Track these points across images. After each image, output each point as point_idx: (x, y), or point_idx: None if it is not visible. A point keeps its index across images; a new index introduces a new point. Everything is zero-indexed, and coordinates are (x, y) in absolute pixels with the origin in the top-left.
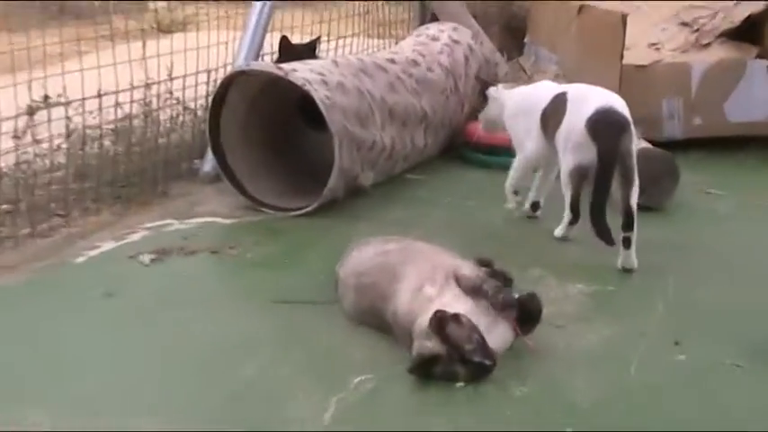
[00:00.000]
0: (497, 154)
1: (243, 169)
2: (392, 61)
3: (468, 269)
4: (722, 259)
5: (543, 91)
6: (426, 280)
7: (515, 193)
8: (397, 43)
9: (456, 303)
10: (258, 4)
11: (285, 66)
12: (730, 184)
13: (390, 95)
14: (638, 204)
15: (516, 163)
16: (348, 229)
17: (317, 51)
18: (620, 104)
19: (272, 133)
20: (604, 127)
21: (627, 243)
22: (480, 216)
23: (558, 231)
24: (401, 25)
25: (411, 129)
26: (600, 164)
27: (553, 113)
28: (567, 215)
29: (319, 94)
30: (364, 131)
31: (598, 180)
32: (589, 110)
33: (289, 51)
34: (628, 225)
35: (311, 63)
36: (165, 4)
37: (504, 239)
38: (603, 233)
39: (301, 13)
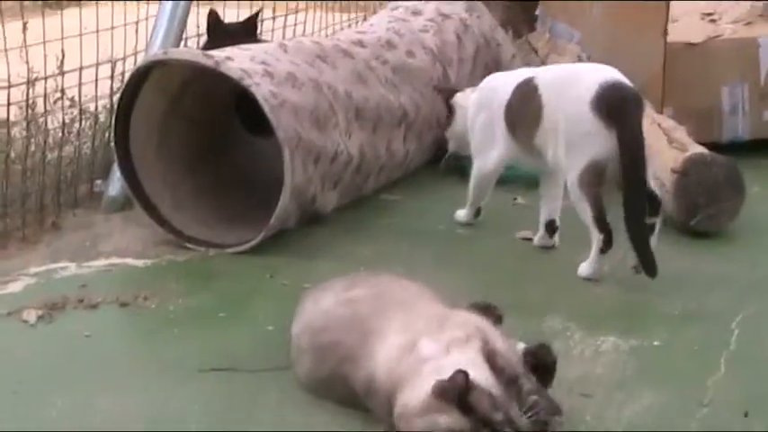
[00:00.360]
0: (509, 166)
1: (161, 192)
2: (360, 43)
3: (501, 343)
4: None
5: (501, 79)
6: (420, 333)
7: (476, 213)
8: (366, 19)
9: (470, 368)
10: None
11: (216, 53)
12: None
13: (358, 89)
14: (693, 228)
15: (473, 174)
16: (304, 270)
17: (257, 32)
18: (621, 76)
19: (199, 143)
20: (620, 104)
21: (650, 229)
22: (479, 248)
23: (586, 269)
24: None
25: (386, 133)
26: (627, 154)
27: (522, 107)
28: (595, 239)
29: (262, 91)
30: (323, 137)
31: (630, 176)
32: (588, 89)
33: (220, 32)
34: (654, 210)
35: (251, 48)
36: None
37: (511, 278)
38: (647, 256)
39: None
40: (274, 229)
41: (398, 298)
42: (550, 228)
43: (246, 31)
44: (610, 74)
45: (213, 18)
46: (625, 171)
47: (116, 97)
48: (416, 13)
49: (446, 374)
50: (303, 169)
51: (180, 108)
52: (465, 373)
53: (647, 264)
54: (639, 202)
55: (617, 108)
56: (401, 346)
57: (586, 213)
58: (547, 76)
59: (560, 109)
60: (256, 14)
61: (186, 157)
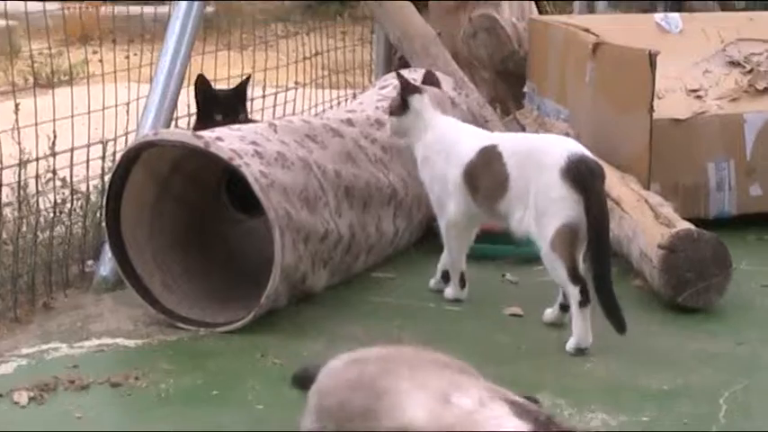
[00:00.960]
0: (493, 241)
1: (152, 272)
2: (349, 122)
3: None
4: None
5: (466, 139)
6: (451, 387)
7: (462, 285)
8: (355, 97)
9: (509, 421)
10: (170, 45)
11: (206, 134)
12: None
13: (347, 168)
14: (680, 304)
15: (443, 233)
16: (295, 349)
17: (246, 98)
18: (584, 149)
19: (190, 223)
20: (587, 174)
21: (566, 308)
22: (468, 325)
23: (573, 343)
24: (361, 71)
25: (376, 211)
26: (594, 221)
27: (485, 173)
28: (573, 301)
29: (252, 171)
30: (313, 217)
31: (596, 242)
32: (558, 159)
33: (209, 98)
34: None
35: (242, 128)
36: (43, 47)
37: (500, 355)
38: (615, 313)
39: (227, 59)
40: (265, 308)
41: (407, 359)
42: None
43: (237, 98)
44: (575, 146)
45: (202, 83)
46: (592, 237)
47: (107, 178)
48: None
49: (498, 424)
50: (293, 249)
51: (170, 188)
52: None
53: (618, 322)
54: (606, 265)
55: (584, 177)
56: (436, 400)
57: (561, 273)
58: (510, 144)
59: (529, 177)
60: (246, 80)
61: (177, 237)
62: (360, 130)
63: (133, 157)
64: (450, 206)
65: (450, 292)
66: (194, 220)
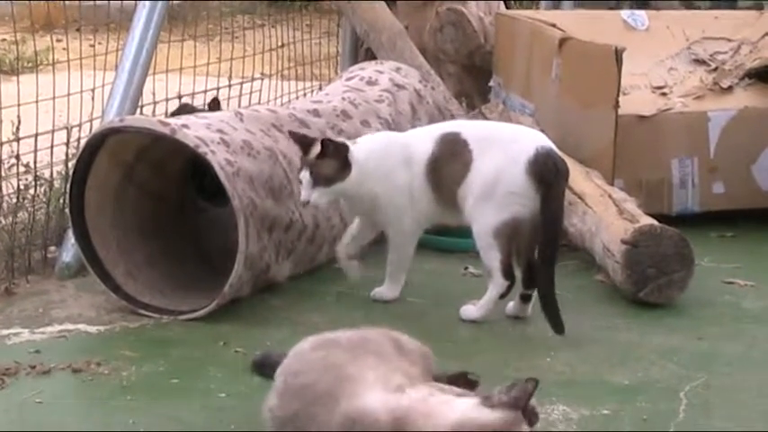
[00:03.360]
0: (455, 234)
1: (116, 259)
2: (315, 113)
3: None
4: (749, 373)
5: (415, 137)
6: (405, 377)
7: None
8: (321, 88)
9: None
10: (136, 33)
11: (172, 121)
12: (761, 273)
13: None
14: (642, 299)
15: (392, 247)
16: (257, 338)
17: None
18: (553, 145)
19: (154, 210)
20: (553, 172)
21: (528, 298)
22: (431, 318)
23: (473, 312)
24: (327, 63)
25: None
26: (548, 219)
27: (449, 161)
28: (495, 285)
29: (218, 159)
30: (277, 207)
31: (547, 240)
32: (525, 151)
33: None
34: (532, 281)
35: (208, 116)
36: (7, 34)
37: (462, 348)
38: (555, 314)
39: (193, 49)
40: (228, 297)
41: (373, 347)
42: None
43: None
44: (545, 141)
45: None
46: (544, 234)
47: (71, 164)
48: (371, 83)
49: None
50: (257, 238)
51: (135, 176)
52: (535, 380)
53: (556, 323)
54: (552, 267)
55: (548, 175)
56: (391, 389)
57: (494, 260)
58: (476, 131)
59: (496, 164)
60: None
61: (141, 224)
62: (326, 120)
63: (98, 143)
64: (408, 217)
65: (385, 291)
66: (158, 208)
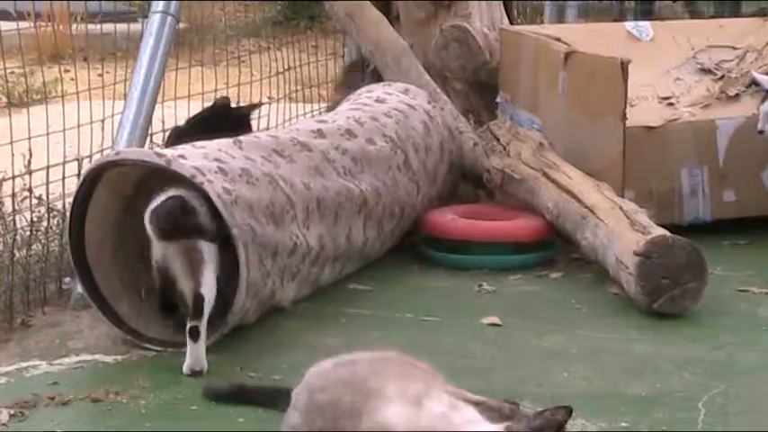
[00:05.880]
0: (470, 251)
1: (119, 293)
2: (319, 133)
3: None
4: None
5: None
6: (426, 391)
7: None
8: (329, 109)
9: (480, 422)
10: (144, 61)
11: (168, 151)
12: None
13: (317, 180)
14: (656, 310)
15: None
16: (272, 362)
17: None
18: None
19: None
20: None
21: (195, 334)
22: (447, 336)
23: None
24: (333, 85)
25: (346, 222)
26: None
27: None
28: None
29: (215, 188)
30: (280, 232)
31: None
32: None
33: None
34: (197, 312)
35: (205, 145)
36: (16, 66)
37: (479, 365)
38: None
39: (200, 75)
40: (231, 325)
41: (394, 363)
42: None
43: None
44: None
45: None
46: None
47: (71, 201)
48: (380, 101)
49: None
50: (259, 264)
51: (135, 208)
52: (568, 409)
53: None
54: None
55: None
56: (410, 404)
57: None
58: None
59: None
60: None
61: (143, 256)
62: (330, 141)
63: (95, 178)
64: None
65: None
66: None
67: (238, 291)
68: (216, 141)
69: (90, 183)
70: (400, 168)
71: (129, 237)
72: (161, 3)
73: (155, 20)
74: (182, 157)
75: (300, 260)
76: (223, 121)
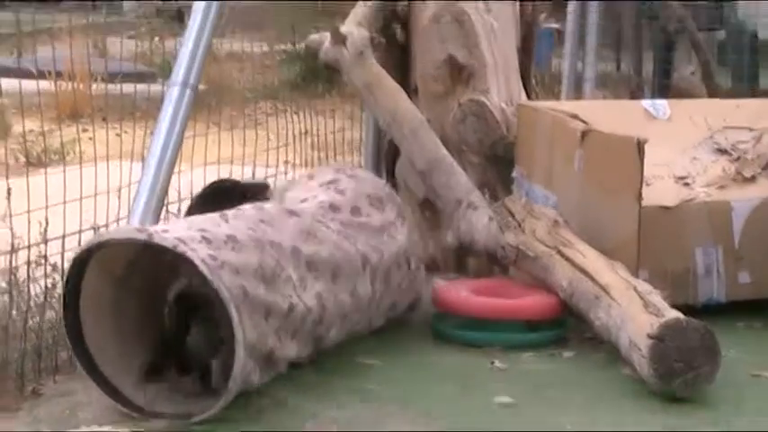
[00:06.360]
0: (484, 329)
1: (119, 371)
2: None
3: None
4: None
5: None
6: None
7: None
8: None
9: None
10: (162, 131)
11: (151, 227)
12: None
13: (306, 245)
14: (668, 393)
15: None
16: None
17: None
18: None
19: (153, 318)
20: None
21: None
22: (456, 415)
23: None
24: (350, 150)
25: (349, 280)
26: None
27: None
28: None
29: (199, 254)
30: (272, 294)
31: None
32: None
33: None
34: None
35: (189, 220)
36: (35, 126)
37: None
38: None
39: (216, 138)
40: (234, 391)
41: None
42: None
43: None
44: None
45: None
46: None
47: (62, 284)
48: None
49: None
50: (253, 325)
51: (129, 287)
52: None
53: None
54: None
55: None
56: None
57: None
58: None
59: None
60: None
61: (140, 333)
62: (314, 212)
63: (85, 258)
64: None
65: None
66: (158, 316)
67: (236, 352)
68: (202, 216)
69: (80, 264)
70: (392, 225)
71: (124, 315)
72: (181, 73)
73: (174, 92)
74: (164, 231)
75: (300, 321)
76: (228, 197)
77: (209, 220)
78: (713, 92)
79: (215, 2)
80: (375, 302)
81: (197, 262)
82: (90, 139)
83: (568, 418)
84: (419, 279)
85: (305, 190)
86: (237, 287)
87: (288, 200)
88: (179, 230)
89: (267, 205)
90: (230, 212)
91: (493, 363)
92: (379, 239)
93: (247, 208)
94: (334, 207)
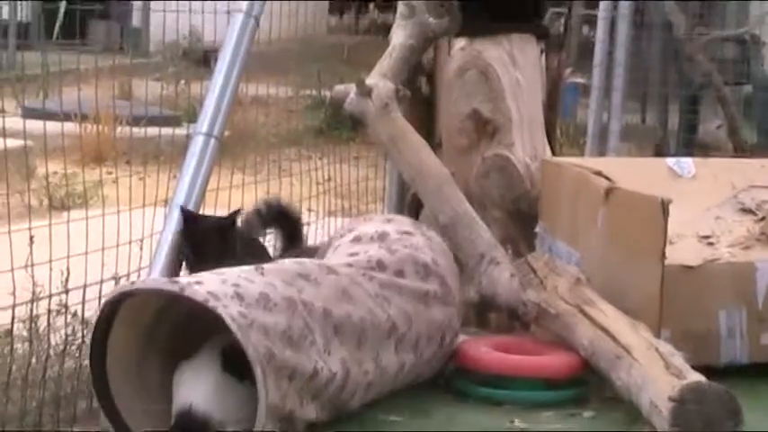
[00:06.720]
0: (504, 386)
1: (141, 422)
2: (348, 265)
3: None
4: None
5: None
6: None
7: None
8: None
9: None
10: (185, 182)
11: (183, 279)
12: None
13: (339, 306)
14: None
15: None
16: None
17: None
18: None
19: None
20: None
21: None
22: None
23: None
24: (373, 198)
25: (372, 347)
26: None
27: None
28: None
29: (230, 311)
30: (298, 356)
31: None
32: None
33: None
34: None
35: (225, 272)
36: (59, 168)
37: None
38: None
39: (241, 187)
40: None
41: None
42: None
43: (222, 234)
44: None
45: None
46: None
47: (88, 337)
48: (409, 233)
49: None
50: (276, 386)
51: (156, 340)
52: None
53: None
54: None
55: None
56: None
57: None
58: None
59: None
60: (235, 212)
61: (167, 390)
62: (356, 270)
63: (114, 308)
64: None
65: None
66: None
67: (258, 413)
68: (238, 268)
69: (109, 313)
70: (435, 296)
71: (150, 371)
72: (206, 123)
73: (198, 141)
74: (198, 283)
75: (323, 385)
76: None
77: (245, 273)
78: (739, 146)
79: (242, 48)
80: (402, 374)
81: (227, 319)
82: (114, 182)
83: None
84: (450, 353)
85: (357, 243)
86: (265, 347)
87: (337, 252)
88: (213, 284)
89: (307, 261)
90: (267, 266)
91: (512, 422)
92: (415, 306)
93: (286, 262)
94: (381, 265)
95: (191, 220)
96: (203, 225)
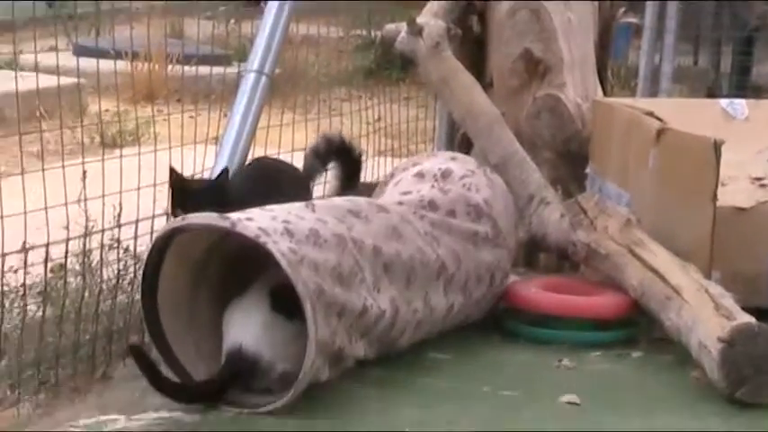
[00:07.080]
0: (552, 326)
1: (195, 362)
2: (399, 204)
3: None
4: None
5: None
6: None
7: None
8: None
9: None
10: (236, 120)
11: (235, 215)
12: None
13: (390, 244)
14: (738, 398)
15: None
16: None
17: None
18: None
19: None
20: None
21: None
22: (523, 413)
23: None
24: (423, 139)
25: (421, 286)
26: None
27: None
28: None
29: (280, 247)
30: (347, 294)
31: None
32: None
33: (184, 195)
34: None
35: (275, 208)
36: (111, 106)
37: None
38: None
39: (292, 126)
40: (303, 384)
41: None
42: None
43: (214, 193)
44: None
45: (176, 178)
46: None
47: (141, 271)
48: (472, 172)
49: None
50: (326, 323)
51: (206, 276)
52: None
53: None
54: None
55: None
56: None
57: None
58: None
59: None
60: (224, 172)
61: (217, 325)
62: (408, 208)
63: (165, 243)
64: None
65: None
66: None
67: (307, 349)
68: (288, 204)
69: (160, 249)
70: (486, 237)
71: (202, 305)
72: (257, 61)
73: (249, 78)
74: (249, 219)
75: (373, 323)
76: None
77: (295, 210)
78: None
79: None
80: (451, 315)
81: (277, 255)
82: (165, 120)
83: (634, 420)
84: (500, 294)
85: (413, 182)
86: (314, 283)
87: (399, 185)
88: (263, 220)
89: (361, 199)
90: (318, 202)
91: (561, 361)
92: (464, 246)
93: (336, 199)
94: (432, 205)
95: (179, 185)
96: (192, 188)
